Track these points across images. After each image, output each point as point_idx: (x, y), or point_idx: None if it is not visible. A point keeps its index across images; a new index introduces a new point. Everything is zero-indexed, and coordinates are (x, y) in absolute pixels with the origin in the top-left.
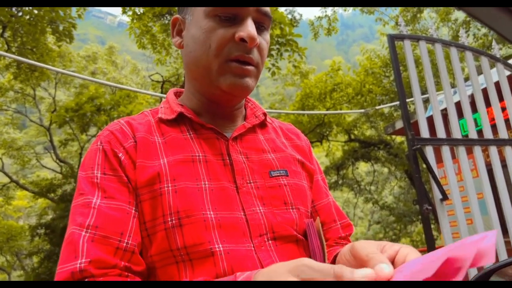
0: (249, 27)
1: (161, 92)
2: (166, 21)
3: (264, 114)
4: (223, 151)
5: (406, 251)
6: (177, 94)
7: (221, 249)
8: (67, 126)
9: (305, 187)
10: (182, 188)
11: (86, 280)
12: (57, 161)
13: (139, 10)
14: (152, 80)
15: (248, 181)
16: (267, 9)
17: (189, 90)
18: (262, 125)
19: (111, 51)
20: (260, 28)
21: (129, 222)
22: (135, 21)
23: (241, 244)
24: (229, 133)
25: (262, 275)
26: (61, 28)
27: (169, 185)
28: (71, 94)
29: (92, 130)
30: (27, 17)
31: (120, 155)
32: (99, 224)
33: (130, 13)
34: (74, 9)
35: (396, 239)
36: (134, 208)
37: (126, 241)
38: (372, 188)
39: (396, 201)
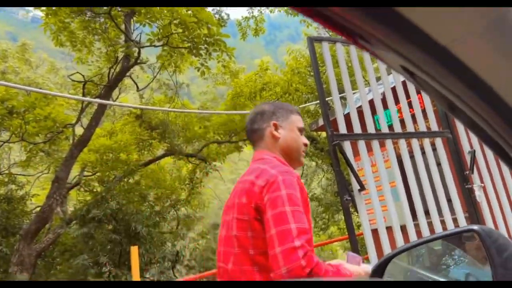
0: (305, 139)
1: (83, 93)
2: (86, 18)
3: None
4: None
5: None
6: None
7: None
8: None
9: None
10: None
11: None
12: None
13: None
14: (73, 80)
15: None
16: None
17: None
18: None
19: (24, 48)
20: None
21: None
22: (50, 16)
23: None
24: None
25: None
26: None
27: None
28: None
29: (5, 136)
30: None
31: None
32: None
33: (44, 7)
34: None
35: (325, 228)
36: None
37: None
38: (302, 181)
39: (324, 192)
